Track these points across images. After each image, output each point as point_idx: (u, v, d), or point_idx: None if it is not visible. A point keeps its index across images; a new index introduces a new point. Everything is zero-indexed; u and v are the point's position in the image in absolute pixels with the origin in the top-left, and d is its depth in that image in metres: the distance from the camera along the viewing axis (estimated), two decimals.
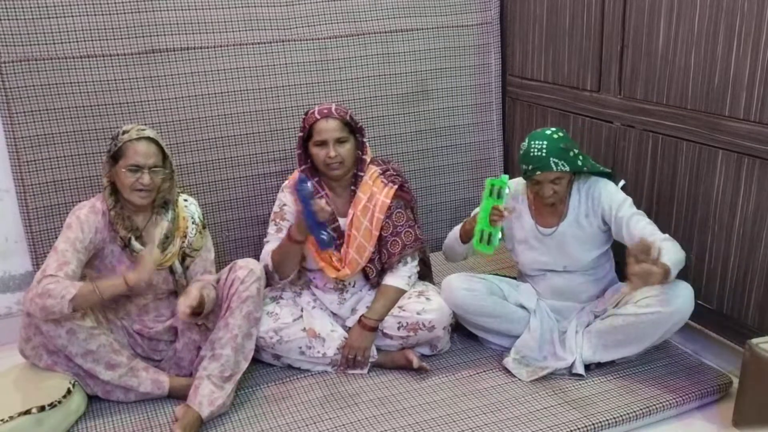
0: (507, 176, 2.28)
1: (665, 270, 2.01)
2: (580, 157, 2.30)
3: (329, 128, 2.36)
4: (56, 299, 1.99)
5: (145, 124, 2.38)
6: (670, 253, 2.10)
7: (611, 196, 2.34)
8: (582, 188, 2.39)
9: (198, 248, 2.31)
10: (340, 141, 2.37)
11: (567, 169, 2.24)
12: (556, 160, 2.24)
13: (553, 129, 2.33)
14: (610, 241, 2.42)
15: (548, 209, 2.42)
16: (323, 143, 2.37)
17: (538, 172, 2.25)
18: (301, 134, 2.44)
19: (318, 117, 2.37)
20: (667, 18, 2.38)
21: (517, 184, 2.49)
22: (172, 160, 2.23)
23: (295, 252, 2.38)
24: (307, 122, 2.40)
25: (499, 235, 2.27)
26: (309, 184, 2.21)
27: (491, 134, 3.37)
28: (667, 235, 2.23)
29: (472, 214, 2.44)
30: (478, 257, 2.94)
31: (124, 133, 2.17)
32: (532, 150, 2.26)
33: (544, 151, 2.24)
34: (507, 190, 2.26)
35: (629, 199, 2.34)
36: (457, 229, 2.51)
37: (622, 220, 2.28)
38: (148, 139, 2.16)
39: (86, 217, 2.16)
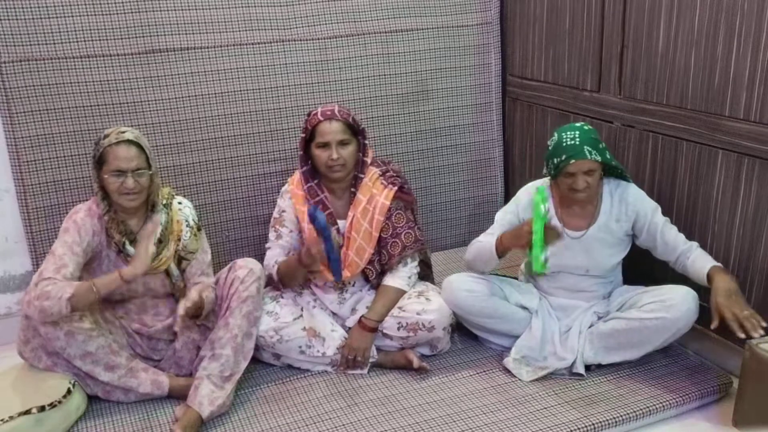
0: (542, 187, 2.18)
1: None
2: (608, 151, 2.29)
3: (332, 130, 2.35)
4: (54, 300, 1.98)
5: (131, 126, 2.34)
6: (707, 260, 2.24)
7: (645, 203, 2.35)
8: (615, 193, 2.37)
9: (193, 250, 2.31)
10: (342, 143, 2.36)
11: (599, 159, 2.22)
12: (590, 149, 2.21)
13: (582, 123, 2.33)
14: (629, 248, 2.42)
15: (576, 212, 2.39)
16: (326, 145, 2.36)
17: (572, 161, 2.21)
18: (303, 135, 2.43)
19: (321, 118, 2.36)
20: (667, 18, 2.38)
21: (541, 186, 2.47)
22: (152, 162, 2.19)
23: (302, 272, 2.38)
24: (309, 123, 2.39)
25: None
26: (322, 215, 2.22)
27: (491, 134, 3.37)
28: (696, 243, 2.29)
29: (506, 229, 2.35)
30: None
31: (104, 137, 2.14)
32: (564, 140, 2.24)
33: (578, 140, 2.23)
34: (547, 205, 2.19)
35: (659, 207, 2.36)
36: (484, 244, 2.37)
37: (657, 228, 2.31)
38: (128, 142, 2.13)
39: (83, 221, 2.15)
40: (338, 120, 2.36)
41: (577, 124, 2.30)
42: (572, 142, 2.23)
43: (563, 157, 2.22)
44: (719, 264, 2.21)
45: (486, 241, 2.38)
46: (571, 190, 2.27)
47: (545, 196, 2.18)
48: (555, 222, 2.38)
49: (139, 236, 2.21)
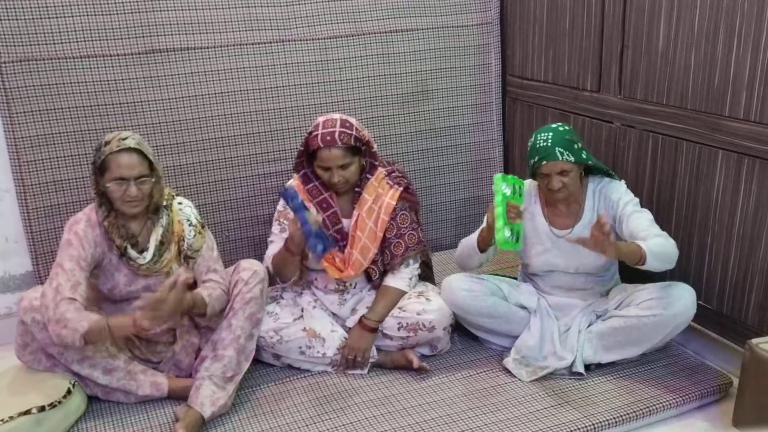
0: (513, 178, 2.25)
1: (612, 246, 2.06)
2: (584, 152, 2.31)
3: (332, 157, 2.32)
4: (70, 331, 2.00)
5: (132, 126, 2.30)
6: (657, 245, 2.14)
7: (621, 195, 2.35)
8: (596, 190, 2.40)
9: (199, 248, 2.30)
10: (343, 167, 2.35)
11: (572, 159, 2.25)
12: (561, 150, 2.24)
13: (559, 123, 2.35)
14: None
15: (561, 211, 2.41)
16: (327, 169, 2.35)
17: (544, 162, 2.25)
18: (302, 149, 2.41)
19: (321, 145, 2.31)
20: (667, 18, 2.38)
21: (529, 186, 2.48)
22: (157, 166, 2.17)
23: (292, 261, 2.37)
24: (310, 144, 2.36)
25: (523, 229, 2.29)
26: (299, 198, 2.19)
27: (491, 134, 3.37)
28: (663, 233, 2.24)
29: (487, 221, 2.40)
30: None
31: (105, 144, 2.10)
32: (538, 142, 2.28)
33: (550, 141, 2.26)
34: (511, 186, 2.27)
35: (636, 200, 2.35)
36: (470, 239, 2.46)
37: (624, 217, 2.30)
38: (130, 150, 2.09)
39: (84, 233, 2.13)
40: (338, 147, 2.32)
41: (554, 125, 2.33)
42: (544, 143, 2.26)
43: (536, 159, 2.28)
44: (643, 247, 2.12)
45: (472, 237, 2.45)
46: (549, 191, 2.32)
47: (516, 181, 2.26)
48: (542, 221, 2.43)
49: (142, 243, 2.19)
